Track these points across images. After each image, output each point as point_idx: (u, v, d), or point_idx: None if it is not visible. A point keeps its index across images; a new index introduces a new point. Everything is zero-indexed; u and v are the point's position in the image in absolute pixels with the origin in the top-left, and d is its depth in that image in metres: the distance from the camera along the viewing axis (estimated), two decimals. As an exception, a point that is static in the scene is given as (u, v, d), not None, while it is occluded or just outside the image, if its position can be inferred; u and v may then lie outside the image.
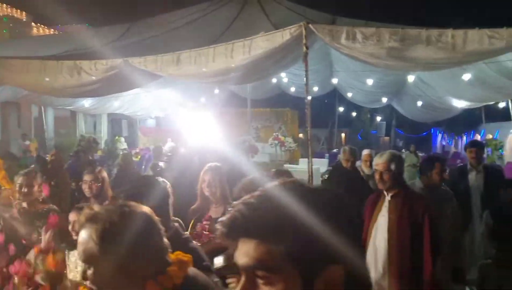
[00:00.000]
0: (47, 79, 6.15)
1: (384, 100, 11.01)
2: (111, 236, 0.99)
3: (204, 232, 2.80)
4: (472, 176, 4.35)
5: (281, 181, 0.68)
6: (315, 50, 6.79)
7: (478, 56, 4.78)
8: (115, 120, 15.52)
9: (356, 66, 7.59)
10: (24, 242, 2.15)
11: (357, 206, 3.13)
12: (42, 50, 7.35)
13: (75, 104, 11.22)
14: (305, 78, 4.90)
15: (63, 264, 1.85)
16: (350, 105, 16.93)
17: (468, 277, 3.64)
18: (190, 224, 2.74)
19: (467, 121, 14.98)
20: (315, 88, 10.33)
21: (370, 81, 8.36)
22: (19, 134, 14.05)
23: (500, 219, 3.77)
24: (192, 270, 1.18)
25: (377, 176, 2.86)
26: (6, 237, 2.02)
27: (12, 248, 1.94)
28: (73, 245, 1.93)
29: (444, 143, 20.61)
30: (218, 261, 1.41)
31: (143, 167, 7.93)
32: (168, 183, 2.98)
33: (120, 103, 11.33)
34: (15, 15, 18.51)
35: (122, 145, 11.33)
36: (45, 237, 1.78)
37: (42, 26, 18.45)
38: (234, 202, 0.66)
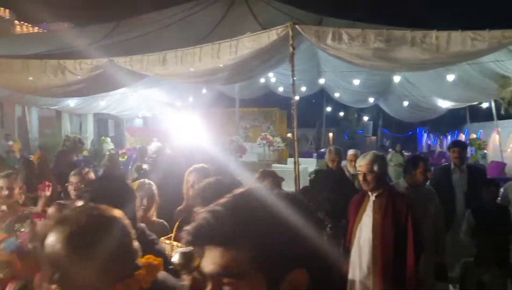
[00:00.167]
0: (30, 78, 6.02)
1: (371, 100, 11.14)
2: (78, 239, 0.96)
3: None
4: (455, 176, 4.42)
5: (246, 188, 0.68)
6: (302, 50, 6.83)
7: (462, 58, 4.88)
8: (101, 120, 15.32)
9: (343, 67, 7.65)
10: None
11: (343, 206, 3.17)
12: (26, 49, 7.20)
13: (60, 104, 11.01)
14: (293, 79, 4.91)
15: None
16: (338, 105, 17.07)
17: (451, 275, 3.70)
18: (175, 226, 2.71)
19: (451, 121, 15.27)
20: (303, 88, 10.38)
21: (356, 81, 8.44)
22: (2, 135, 13.74)
23: (481, 218, 3.86)
24: (162, 274, 1.17)
25: (360, 178, 2.89)
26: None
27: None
28: None
29: (429, 142, 20.97)
30: (175, 258, 1.41)
31: (130, 167, 7.83)
32: (154, 184, 2.97)
33: (106, 102, 11.17)
34: (-1, 13, 18.11)
35: (109, 145, 11.18)
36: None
37: (26, 24, 18.05)
38: (200, 210, 0.66)
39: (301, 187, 4.45)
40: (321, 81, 9.84)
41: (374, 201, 2.86)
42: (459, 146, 4.52)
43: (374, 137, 22.18)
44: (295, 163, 4.33)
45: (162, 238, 2.75)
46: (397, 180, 4.01)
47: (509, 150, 11.13)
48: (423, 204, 3.39)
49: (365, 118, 20.51)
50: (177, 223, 2.78)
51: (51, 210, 2.32)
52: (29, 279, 1.60)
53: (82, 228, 0.98)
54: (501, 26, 4.34)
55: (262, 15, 7.44)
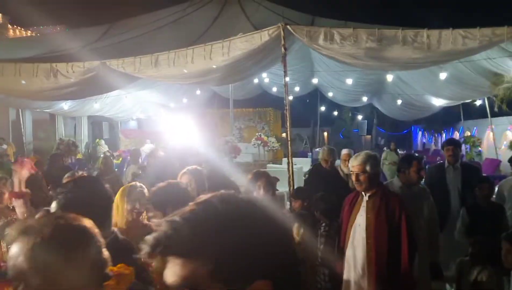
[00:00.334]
0: (23, 82, 5.98)
1: (365, 99, 11.17)
2: (42, 251, 0.93)
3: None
4: (449, 174, 4.42)
5: (210, 195, 0.65)
6: (295, 50, 6.83)
7: (453, 56, 4.89)
8: (95, 123, 15.23)
9: (336, 66, 7.66)
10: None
11: (338, 205, 3.16)
12: (18, 53, 7.14)
13: (54, 107, 10.95)
14: (286, 79, 4.90)
15: None
16: (332, 105, 17.08)
17: (447, 273, 3.69)
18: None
19: (446, 118, 15.32)
20: (297, 88, 10.39)
21: (349, 81, 8.46)
22: (-4, 138, 13.61)
23: (475, 216, 3.86)
24: (135, 284, 1.14)
25: (353, 178, 2.88)
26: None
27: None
28: None
29: (424, 140, 21.04)
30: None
31: (125, 169, 7.80)
32: (145, 187, 2.94)
33: (100, 105, 11.11)
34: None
35: (103, 147, 11.11)
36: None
37: (19, 28, 17.93)
38: (160, 220, 0.64)
39: (295, 187, 4.44)
40: (315, 80, 9.86)
41: (367, 201, 2.86)
42: (453, 144, 4.51)
43: (369, 136, 22.22)
44: (288, 163, 4.32)
45: (155, 241, 2.74)
46: (391, 179, 4.00)
47: (503, 147, 11.19)
48: (417, 203, 3.39)
49: (359, 117, 20.53)
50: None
51: (38, 217, 2.29)
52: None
53: (46, 239, 0.95)
54: (492, 24, 4.36)
55: (255, 15, 7.44)
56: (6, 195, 2.75)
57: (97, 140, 12.82)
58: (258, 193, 2.79)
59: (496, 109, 7.94)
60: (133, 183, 2.86)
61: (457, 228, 3.98)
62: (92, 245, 1.01)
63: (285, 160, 10.42)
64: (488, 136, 12.21)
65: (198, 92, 11.04)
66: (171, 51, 5.22)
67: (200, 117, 12.59)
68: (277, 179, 6.77)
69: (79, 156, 10.71)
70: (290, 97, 11.71)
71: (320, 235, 3.22)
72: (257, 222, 0.61)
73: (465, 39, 4.37)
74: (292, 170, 4.38)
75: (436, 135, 18.59)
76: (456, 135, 15.06)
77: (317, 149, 14.89)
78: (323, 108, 17.96)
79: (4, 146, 12.36)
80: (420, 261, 3.22)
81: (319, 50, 4.78)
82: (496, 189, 4.67)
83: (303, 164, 9.17)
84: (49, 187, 4.15)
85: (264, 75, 9.62)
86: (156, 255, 0.60)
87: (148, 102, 11.67)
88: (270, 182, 2.86)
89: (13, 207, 2.77)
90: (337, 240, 3.04)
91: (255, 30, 5.21)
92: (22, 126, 12.56)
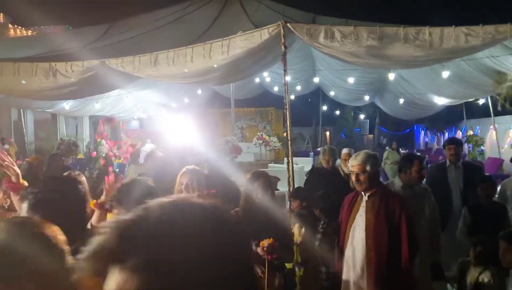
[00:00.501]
0: (23, 82, 5.97)
1: (367, 98, 11.10)
2: None
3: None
4: (451, 173, 4.37)
5: (163, 200, 0.60)
6: (297, 49, 6.78)
7: (456, 54, 4.83)
8: (97, 123, 15.24)
9: (337, 65, 7.60)
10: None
11: (338, 204, 3.11)
12: (18, 52, 7.13)
13: (55, 107, 10.95)
14: (286, 78, 4.86)
15: None
16: (334, 104, 17.01)
17: (448, 274, 3.64)
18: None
19: (448, 117, 15.22)
20: (298, 87, 10.35)
21: (351, 80, 8.40)
22: (-1, 138, 13.65)
23: (477, 216, 3.81)
24: None
25: (353, 178, 2.83)
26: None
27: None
28: None
29: (426, 139, 20.93)
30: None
31: (126, 169, 7.78)
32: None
33: (101, 105, 11.11)
34: (-8, 16, 18.03)
35: (104, 147, 11.10)
36: None
37: (20, 27, 17.98)
38: (104, 224, 0.60)
39: (295, 187, 4.40)
40: (316, 79, 9.81)
41: (366, 201, 2.82)
42: (454, 143, 4.46)
43: (371, 135, 22.11)
44: (288, 162, 4.28)
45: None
46: (392, 179, 3.96)
47: (506, 146, 11.10)
48: (418, 202, 3.34)
49: (362, 116, 20.42)
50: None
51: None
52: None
53: (2, 246, 0.90)
54: (495, 21, 4.30)
55: (256, 14, 7.40)
56: (0, 195, 2.72)
57: (99, 140, 12.82)
58: (257, 193, 2.75)
59: (499, 108, 7.85)
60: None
61: (459, 228, 3.93)
62: (53, 254, 0.95)
63: (286, 159, 10.35)
64: (491, 135, 12.11)
65: (199, 91, 11.01)
66: (170, 50, 5.19)
67: (202, 117, 12.56)
68: (278, 179, 6.74)
69: (80, 156, 10.71)
70: (292, 96, 11.75)
71: (317, 232, 3.19)
72: (206, 232, 0.55)
73: (467, 36, 4.31)
74: (292, 170, 4.34)
75: (439, 134, 18.48)
76: (459, 134, 14.96)
77: (319, 148, 14.84)
78: (325, 108, 17.88)
79: (6, 146, 12.40)
80: (421, 261, 3.18)
81: (319, 48, 4.74)
82: (499, 188, 4.61)
83: (305, 164, 9.12)
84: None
85: (265, 74, 9.58)
86: (94, 263, 0.55)
87: (149, 101, 11.66)
88: (268, 182, 2.82)
89: (8, 206, 2.74)
90: (336, 240, 3.00)
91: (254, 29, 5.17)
92: (24, 126, 12.60)
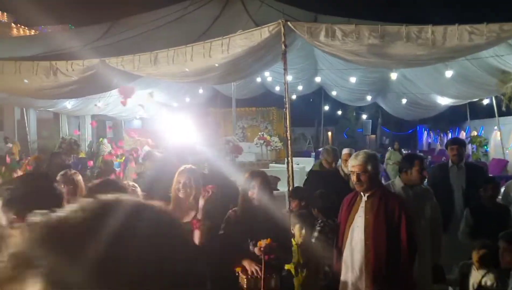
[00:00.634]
0: (25, 81, 5.97)
1: (369, 98, 11.02)
2: None
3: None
4: (453, 174, 4.31)
5: (92, 199, 0.54)
6: (298, 48, 6.73)
7: (459, 52, 4.77)
8: (99, 122, 15.26)
9: (340, 64, 7.55)
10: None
11: (337, 204, 3.07)
12: (19, 51, 7.14)
13: (57, 106, 10.97)
14: (286, 77, 4.82)
15: None
16: (336, 104, 16.91)
17: (450, 277, 3.58)
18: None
19: (452, 118, 15.10)
20: (300, 87, 10.29)
21: (353, 79, 8.34)
22: (0, 137, 13.73)
23: (480, 217, 3.74)
24: None
25: (354, 178, 2.78)
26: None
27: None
28: None
29: (430, 140, 20.79)
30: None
31: (126, 168, 7.76)
32: (138, 187, 2.87)
33: (103, 104, 11.10)
34: (-5, 16, 18.14)
35: (106, 147, 11.09)
36: None
37: (23, 27, 18.06)
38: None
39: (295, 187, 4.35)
40: (318, 79, 9.75)
41: (366, 202, 2.77)
42: (457, 143, 4.40)
43: (373, 136, 22.00)
44: (287, 162, 4.23)
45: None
46: (393, 180, 3.90)
47: (510, 147, 10.99)
48: (420, 203, 3.28)
49: (364, 117, 20.32)
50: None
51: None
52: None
53: None
54: (500, 20, 4.24)
55: (257, 13, 7.36)
56: None
57: (100, 139, 12.83)
58: (253, 193, 2.71)
59: (504, 108, 7.75)
60: (126, 182, 2.81)
61: (461, 229, 3.87)
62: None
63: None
64: (495, 136, 12.00)
65: (200, 91, 10.98)
66: (170, 49, 5.16)
67: (203, 116, 12.53)
68: (278, 179, 6.70)
69: (82, 154, 10.71)
70: (293, 96, 11.69)
71: (314, 230, 3.15)
72: (126, 237, 0.48)
73: (471, 35, 4.25)
74: (292, 170, 4.30)
75: (442, 135, 18.35)
76: (463, 135, 14.83)
77: (320, 149, 14.77)
78: (327, 108, 17.80)
79: (10, 145, 12.46)
80: (422, 263, 3.13)
81: (320, 47, 4.69)
82: (503, 190, 4.55)
83: (306, 164, 9.07)
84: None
85: (267, 74, 9.54)
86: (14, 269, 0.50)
87: (151, 101, 11.63)
88: (266, 182, 2.78)
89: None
90: (335, 240, 2.95)
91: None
92: (26, 125, 12.64)
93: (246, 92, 11.57)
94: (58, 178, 3.13)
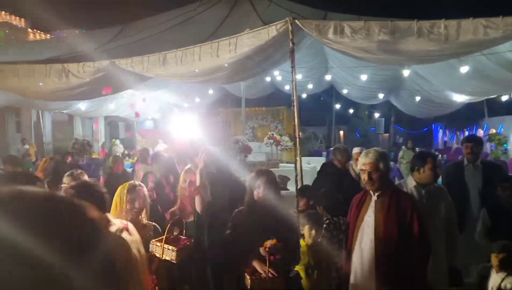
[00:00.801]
0: (40, 84, 6.08)
1: (381, 96, 10.82)
2: None
3: (181, 236, 2.69)
4: (468, 172, 4.18)
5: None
6: (308, 46, 6.65)
7: (474, 47, 4.60)
8: (112, 123, 15.49)
9: (350, 62, 7.42)
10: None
11: (343, 203, 2.99)
12: (36, 55, 7.28)
13: (71, 108, 11.18)
14: (297, 75, 4.76)
15: None
16: (348, 103, 16.71)
17: (468, 280, 3.46)
18: (167, 228, 2.61)
19: (468, 115, 14.70)
20: (310, 86, 10.18)
21: (364, 77, 8.19)
22: (18, 139, 14.08)
23: (497, 217, 3.61)
24: None
25: (365, 177, 2.69)
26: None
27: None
28: None
29: (445, 139, 20.32)
30: None
31: (136, 169, 7.82)
32: (145, 187, 2.87)
33: (115, 105, 11.25)
34: (14, 22, 18.61)
35: (118, 147, 11.24)
36: None
37: (39, 32, 18.51)
38: None
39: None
40: (328, 77, 9.63)
41: (376, 201, 2.69)
42: (472, 141, 4.27)
43: (386, 134, 21.64)
44: (295, 161, 4.17)
45: (153, 240, 2.66)
46: (405, 179, 3.79)
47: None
48: (433, 203, 3.17)
49: (376, 115, 19.99)
50: (168, 226, 2.69)
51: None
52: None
53: None
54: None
55: (265, 13, 7.32)
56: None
57: (113, 140, 13.01)
58: (259, 191, 2.66)
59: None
60: (132, 181, 2.80)
61: (477, 230, 3.74)
62: None
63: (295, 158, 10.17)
64: (515, 134, 11.64)
65: (210, 91, 11.00)
66: (178, 49, 5.16)
67: (213, 116, 12.57)
68: (288, 179, 6.63)
69: (94, 155, 10.88)
70: (304, 95, 11.56)
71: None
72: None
73: (486, 28, 4.09)
74: (301, 169, 4.23)
75: (458, 133, 17.91)
76: (480, 133, 14.43)
77: (332, 148, 14.61)
78: (338, 106, 17.60)
79: (26, 146, 12.77)
80: (437, 265, 3.02)
81: (329, 45, 4.60)
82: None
83: (317, 163, 8.96)
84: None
85: (276, 73, 9.48)
86: None
87: (163, 102, 11.72)
88: (272, 181, 2.73)
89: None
90: (344, 241, 2.88)
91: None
92: (42, 127, 12.93)
93: (256, 92, 11.54)
94: (64, 178, 3.17)
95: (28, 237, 0.44)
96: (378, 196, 2.69)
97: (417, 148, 10.42)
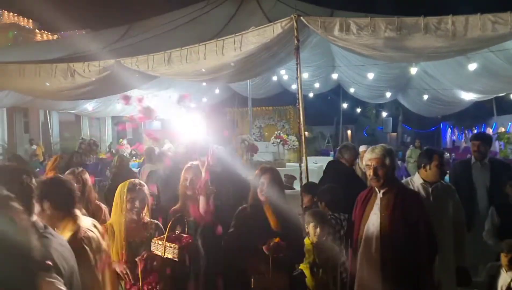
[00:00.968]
0: (47, 84, 6.12)
1: (388, 94, 10.72)
2: None
3: (183, 234, 2.68)
4: (476, 170, 4.12)
5: None
6: (315, 45, 6.61)
7: (482, 43, 4.52)
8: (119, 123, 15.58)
9: (357, 60, 7.36)
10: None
11: (348, 200, 2.95)
12: (42, 55, 7.35)
13: (78, 108, 11.27)
14: (303, 74, 4.73)
15: None
16: (355, 101, 16.58)
17: (476, 279, 3.39)
18: (168, 226, 2.60)
19: (477, 114, 14.52)
20: (316, 85, 10.13)
21: (371, 75, 8.12)
22: (26, 139, 14.25)
23: (506, 216, 3.54)
24: None
25: (370, 173, 2.66)
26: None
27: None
28: None
29: (454, 138, 20.08)
30: None
31: (141, 169, 7.84)
32: (146, 185, 2.86)
33: (122, 105, 11.31)
34: (22, 23, 18.88)
35: (125, 147, 11.30)
36: None
37: (46, 32, 18.74)
38: None
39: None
40: (335, 76, 9.57)
41: (381, 198, 2.65)
42: (480, 139, 4.20)
43: (394, 134, 21.47)
44: (300, 160, 4.14)
45: (155, 238, 2.65)
46: (412, 176, 3.74)
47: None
48: (440, 200, 3.12)
49: (384, 114, 19.84)
50: (170, 224, 2.67)
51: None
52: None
53: None
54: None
55: (271, 11, 7.30)
56: None
57: (120, 140, 13.10)
58: (262, 189, 2.64)
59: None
60: (132, 180, 2.79)
61: (486, 229, 3.68)
62: None
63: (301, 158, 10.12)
64: (524, 132, 11.45)
65: (217, 91, 11.00)
66: (183, 48, 5.16)
67: (220, 116, 12.57)
68: (294, 178, 6.59)
69: (102, 155, 10.95)
70: (311, 94, 11.49)
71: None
72: None
73: (495, 24, 4.02)
74: (307, 168, 4.20)
75: (467, 132, 17.69)
76: (489, 131, 14.24)
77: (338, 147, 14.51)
78: (345, 105, 17.48)
79: (34, 147, 12.91)
80: (445, 265, 2.97)
81: (335, 42, 4.56)
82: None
83: (325, 163, 8.89)
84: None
85: (283, 72, 9.45)
86: None
87: (169, 101, 11.75)
88: (275, 178, 2.70)
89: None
90: (350, 240, 2.84)
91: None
92: (49, 127, 13.06)
93: (262, 92, 11.53)
94: (66, 176, 3.17)
95: None
96: (383, 193, 2.65)
97: (424, 147, 10.31)
